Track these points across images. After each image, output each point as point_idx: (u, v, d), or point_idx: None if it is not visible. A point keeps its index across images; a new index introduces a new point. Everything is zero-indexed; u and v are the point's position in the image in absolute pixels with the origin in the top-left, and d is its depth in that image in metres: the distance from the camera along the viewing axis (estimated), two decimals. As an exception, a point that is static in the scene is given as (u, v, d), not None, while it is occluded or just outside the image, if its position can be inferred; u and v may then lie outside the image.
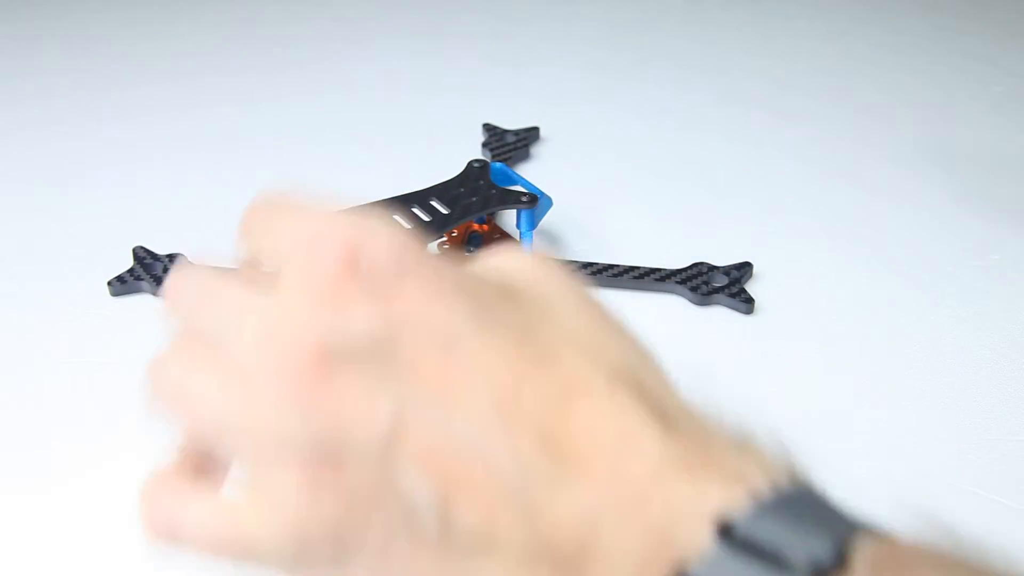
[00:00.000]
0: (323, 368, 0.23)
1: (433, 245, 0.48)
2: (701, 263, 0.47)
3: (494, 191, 0.46)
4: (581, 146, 0.59)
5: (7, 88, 0.68)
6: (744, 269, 0.47)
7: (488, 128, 0.59)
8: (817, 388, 0.41)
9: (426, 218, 0.44)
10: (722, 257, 0.48)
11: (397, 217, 0.43)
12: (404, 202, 0.44)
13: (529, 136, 0.59)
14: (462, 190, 0.46)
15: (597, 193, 0.54)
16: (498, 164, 0.48)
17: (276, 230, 0.26)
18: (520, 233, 0.46)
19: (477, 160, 0.48)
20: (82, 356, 0.43)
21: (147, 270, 0.47)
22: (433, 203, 0.45)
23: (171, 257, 0.47)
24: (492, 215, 0.50)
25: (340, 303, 0.24)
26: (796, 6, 0.78)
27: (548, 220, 0.50)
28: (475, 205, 0.45)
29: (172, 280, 0.27)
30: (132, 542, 0.32)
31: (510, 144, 0.58)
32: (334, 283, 0.24)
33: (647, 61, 0.69)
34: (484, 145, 0.58)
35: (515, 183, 0.48)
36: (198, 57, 0.72)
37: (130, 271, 0.47)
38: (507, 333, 0.24)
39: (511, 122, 0.60)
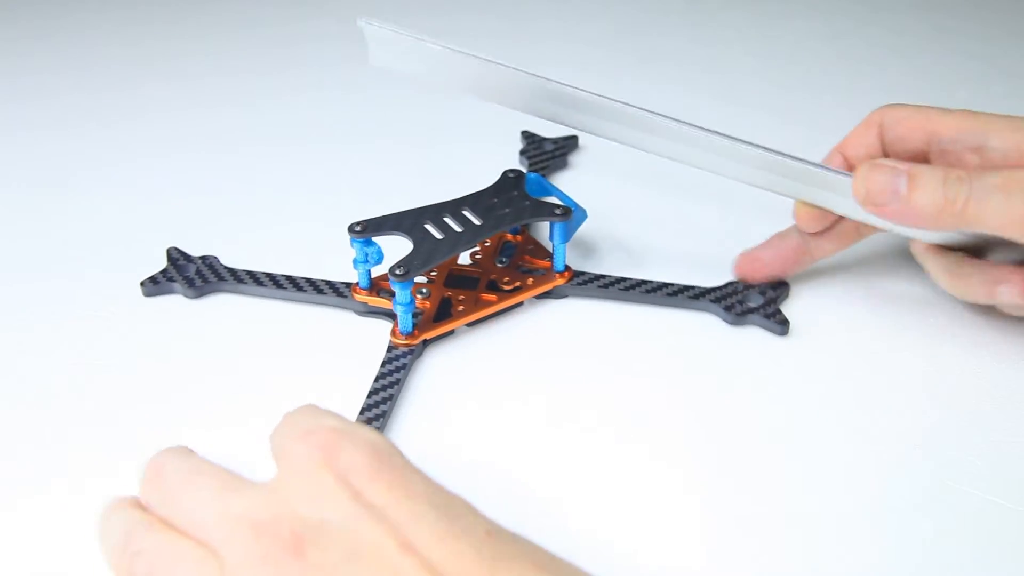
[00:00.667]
0: (297, 549, 0.26)
1: (466, 255, 0.48)
2: (737, 281, 0.46)
3: (527, 202, 0.45)
4: (620, 156, 0.58)
5: (30, 85, 0.68)
6: (781, 289, 0.46)
7: (527, 136, 0.59)
8: (843, 413, 0.40)
9: (458, 229, 0.43)
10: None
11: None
12: (436, 212, 0.44)
13: (568, 145, 0.58)
14: (495, 200, 0.45)
15: (634, 205, 0.53)
16: (533, 175, 0.47)
17: (281, 430, 0.30)
18: (553, 245, 0.46)
19: (512, 170, 0.47)
20: (112, 356, 0.44)
21: (180, 271, 0.47)
22: (465, 213, 0.44)
23: (204, 259, 0.48)
24: (526, 226, 0.49)
25: (318, 492, 0.28)
26: (796, 6, 0.77)
27: (584, 232, 0.50)
28: (508, 216, 0.44)
29: (154, 464, 0.31)
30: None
31: (548, 152, 0.57)
32: (316, 473, 0.28)
33: (694, 75, 0.68)
34: (522, 153, 0.57)
35: (550, 194, 0.47)
36: (229, 54, 0.72)
37: (163, 272, 0.47)
38: (467, 538, 0.27)
39: (551, 130, 0.59)
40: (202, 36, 0.75)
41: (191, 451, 0.33)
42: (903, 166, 0.39)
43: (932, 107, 0.42)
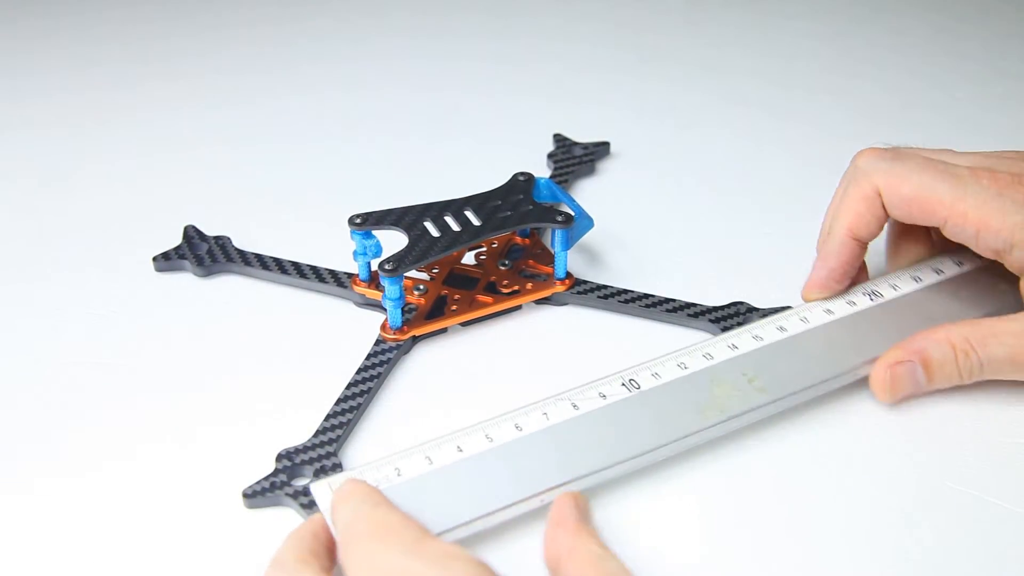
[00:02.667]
0: None
1: (471, 255, 0.48)
2: (740, 303, 0.45)
3: (531, 207, 0.45)
4: (650, 167, 0.58)
5: (32, 85, 0.69)
6: (782, 313, 0.44)
7: (558, 139, 0.58)
8: (839, 423, 0.39)
9: (456, 228, 0.43)
10: (770, 299, 0.45)
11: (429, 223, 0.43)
12: (439, 210, 0.44)
13: (598, 151, 0.57)
14: (499, 203, 0.45)
15: (652, 217, 0.52)
16: (544, 180, 0.47)
17: None
18: (554, 252, 0.45)
19: (522, 173, 0.47)
20: (117, 332, 0.45)
21: (192, 249, 0.48)
22: (467, 213, 0.44)
23: (217, 239, 0.49)
24: (536, 230, 0.49)
25: None
26: (796, 6, 0.77)
27: (594, 240, 0.50)
28: (509, 220, 0.44)
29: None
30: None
31: (577, 157, 0.57)
32: None
33: (694, 75, 0.67)
34: (550, 156, 0.57)
35: (559, 201, 0.47)
36: (249, 52, 0.73)
37: (176, 248, 0.48)
38: None
39: (584, 135, 0.59)
40: (217, 34, 0.75)
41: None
42: (914, 355, 0.39)
43: (933, 182, 0.39)
